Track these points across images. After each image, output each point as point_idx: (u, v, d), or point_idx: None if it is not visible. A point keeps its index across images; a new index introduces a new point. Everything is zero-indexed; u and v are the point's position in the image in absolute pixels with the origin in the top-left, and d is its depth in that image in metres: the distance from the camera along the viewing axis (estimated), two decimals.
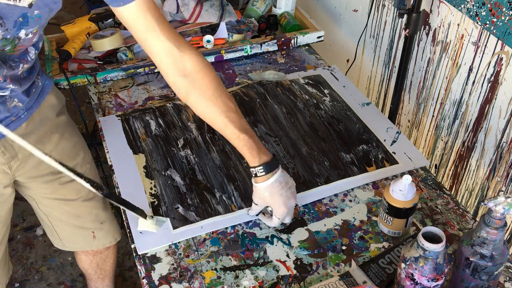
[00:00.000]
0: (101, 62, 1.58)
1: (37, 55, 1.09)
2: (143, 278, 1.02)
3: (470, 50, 1.38)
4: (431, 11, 1.49)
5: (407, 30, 1.44)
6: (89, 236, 1.41)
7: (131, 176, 1.23)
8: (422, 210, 1.16)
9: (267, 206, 1.10)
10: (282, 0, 1.80)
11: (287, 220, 1.10)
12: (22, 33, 0.94)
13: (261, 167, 1.04)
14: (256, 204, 1.10)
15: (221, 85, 1.05)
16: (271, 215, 1.10)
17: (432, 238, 0.88)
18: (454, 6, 1.37)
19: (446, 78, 1.50)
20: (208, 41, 1.63)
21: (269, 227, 1.12)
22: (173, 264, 1.04)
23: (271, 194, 1.05)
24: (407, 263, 0.88)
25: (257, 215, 1.13)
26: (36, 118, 1.15)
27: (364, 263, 1.04)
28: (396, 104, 1.62)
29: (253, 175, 1.06)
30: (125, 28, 1.64)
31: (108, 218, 1.43)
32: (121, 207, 1.04)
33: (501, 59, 1.28)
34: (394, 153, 1.31)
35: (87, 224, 1.39)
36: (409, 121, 1.74)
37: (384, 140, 1.34)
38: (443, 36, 1.47)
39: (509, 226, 1.38)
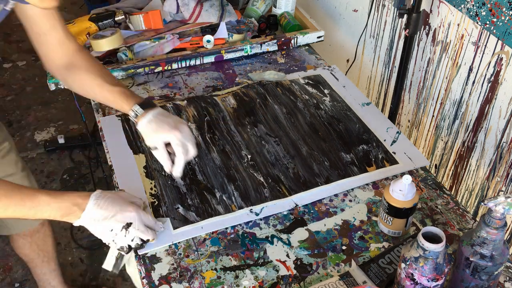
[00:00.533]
0: (101, 62, 1.57)
1: None
2: (143, 278, 1.02)
3: (470, 50, 1.38)
4: (431, 11, 1.49)
5: (407, 30, 1.44)
6: None
7: (131, 176, 1.23)
8: (422, 210, 1.16)
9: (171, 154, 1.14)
10: (282, 0, 1.80)
11: (192, 151, 1.13)
12: None
13: (138, 106, 1.13)
14: (156, 148, 1.12)
15: (99, 65, 1.21)
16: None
17: (432, 238, 0.88)
18: (454, 6, 1.37)
19: (446, 78, 1.50)
20: (208, 41, 1.63)
21: (269, 227, 1.12)
22: (173, 264, 1.04)
23: (158, 122, 1.11)
24: (407, 263, 0.88)
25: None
26: None
27: (364, 263, 1.04)
28: (396, 104, 1.62)
29: (135, 120, 1.14)
30: (125, 28, 1.65)
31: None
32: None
33: (501, 59, 1.28)
34: (394, 153, 1.31)
35: None
36: (409, 121, 1.74)
37: (384, 140, 1.34)
38: (443, 36, 1.47)
39: (509, 226, 1.38)
